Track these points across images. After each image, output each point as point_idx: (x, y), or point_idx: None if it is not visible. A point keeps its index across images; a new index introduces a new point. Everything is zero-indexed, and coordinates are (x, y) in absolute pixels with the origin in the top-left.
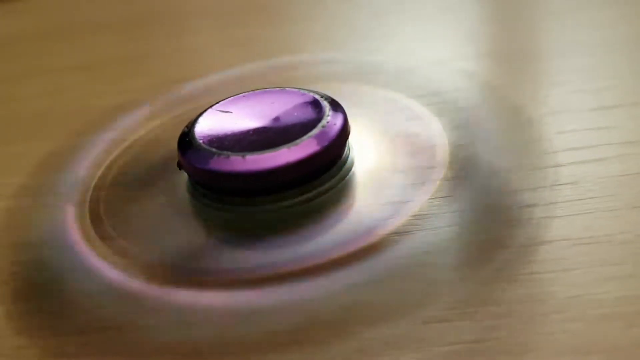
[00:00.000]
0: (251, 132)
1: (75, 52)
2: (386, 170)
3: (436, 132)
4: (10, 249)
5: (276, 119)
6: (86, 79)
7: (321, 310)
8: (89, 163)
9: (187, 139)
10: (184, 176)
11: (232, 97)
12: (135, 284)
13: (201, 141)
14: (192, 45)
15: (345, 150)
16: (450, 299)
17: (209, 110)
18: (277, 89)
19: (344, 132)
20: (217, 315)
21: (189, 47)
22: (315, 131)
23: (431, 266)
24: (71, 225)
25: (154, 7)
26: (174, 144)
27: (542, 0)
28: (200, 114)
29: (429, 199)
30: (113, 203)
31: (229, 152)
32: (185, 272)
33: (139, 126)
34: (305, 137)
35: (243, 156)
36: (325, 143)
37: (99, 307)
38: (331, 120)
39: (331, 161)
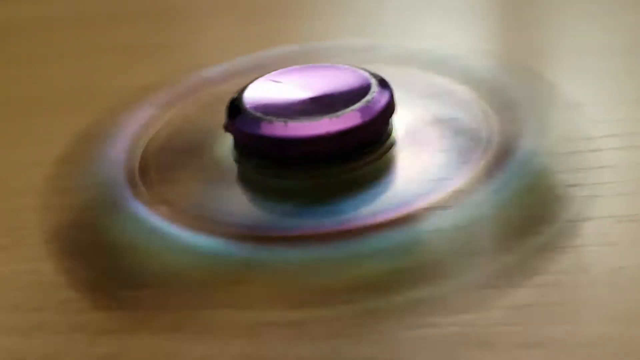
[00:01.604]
0: (297, 102)
1: (103, 37)
2: (429, 149)
3: (479, 115)
4: (56, 210)
5: (323, 91)
6: (115, 62)
7: (366, 271)
8: (131, 135)
9: (235, 103)
10: (229, 142)
11: (284, 69)
12: (181, 236)
13: (248, 106)
14: (217, 34)
15: (389, 127)
16: (497, 267)
17: (260, 79)
18: (328, 64)
19: (388, 109)
20: (268, 271)
21: (215, 35)
22: (359, 105)
23: (475, 238)
24: (120, 186)
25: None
26: (215, 118)
27: None
28: (251, 82)
29: (472, 177)
30: (160, 167)
31: (273, 118)
32: (231, 227)
33: (173, 104)
34: (348, 110)
35: (285, 122)
36: (368, 117)
37: (147, 261)
38: (377, 97)
39: (373, 137)
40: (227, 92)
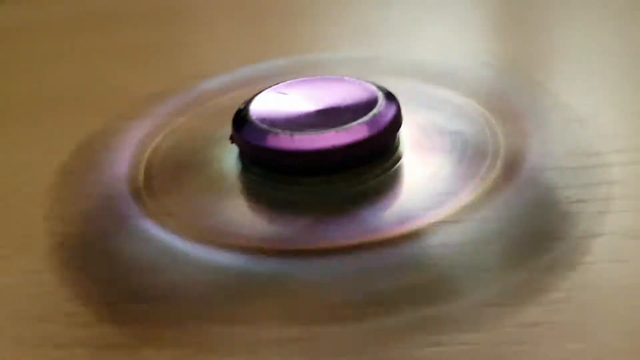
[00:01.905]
0: (304, 115)
1: (105, 39)
2: (436, 162)
3: (485, 128)
4: (60, 220)
5: (330, 104)
6: (118, 64)
7: (373, 287)
8: (136, 143)
9: (242, 114)
10: (234, 154)
11: (289, 81)
12: (188, 249)
13: (254, 118)
14: (220, 40)
15: (396, 141)
16: (506, 285)
17: (266, 90)
18: (335, 77)
19: (395, 122)
20: (274, 285)
21: (215, 40)
22: (365, 118)
23: (484, 254)
24: (123, 197)
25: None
26: (219, 129)
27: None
28: (257, 94)
29: (479, 191)
30: (165, 178)
31: (279, 130)
32: (236, 239)
33: (177, 114)
34: (354, 123)
35: (292, 135)
36: (375, 131)
37: (153, 274)
38: (384, 110)
39: (380, 150)
40: (231, 103)
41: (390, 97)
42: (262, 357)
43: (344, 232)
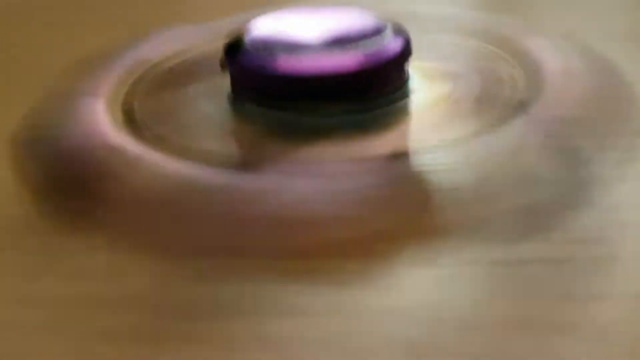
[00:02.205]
0: (305, 40)
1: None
2: (446, 105)
3: (506, 78)
4: (33, 145)
5: (333, 30)
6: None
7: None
8: (119, 69)
9: (235, 39)
10: (225, 83)
11: (291, 8)
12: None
13: (250, 41)
14: None
15: (404, 75)
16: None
17: (262, 17)
18: (342, 7)
19: (404, 52)
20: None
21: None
22: (372, 44)
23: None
24: (101, 118)
25: None
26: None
27: None
28: (252, 21)
29: (485, 136)
30: (145, 106)
31: (276, 53)
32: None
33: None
34: (359, 48)
35: (290, 56)
36: (377, 58)
37: (131, 200)
38: (391, 39)
39: (382, 81)
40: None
41: (399, 28)
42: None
43: (328, 156)
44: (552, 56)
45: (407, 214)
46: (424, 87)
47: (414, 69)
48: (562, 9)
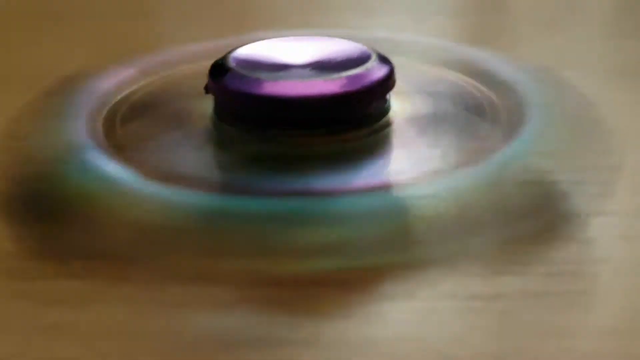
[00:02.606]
0: (290, 64)
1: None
2: (426, 135)
3: (487, 111)
4: (8, 166)
5: (319, 57)
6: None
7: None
8: (94, 98)
9: (221, 62)
10: (207, 106)
11: (277, 37)
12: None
13: (235, 65)
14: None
15: (386, 104)
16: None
17: (249, 44)
18: (327, 37)
19: (387, 81)
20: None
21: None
22: (356, 71)
23: (468, 220)
24: (81, 140)
25: None
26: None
27: None
28: (239, 46)
29: (467, 163)
30: (127, 129)
31: (262, 76)
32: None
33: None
34: (343, 74)
35: (274, 81)
36: (361, 85)
37: (108, 224)
38: (376, 66)
39: (365, 108)
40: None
41: (383, 58)
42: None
43: (309, 182)
44: (531, 89)
45: (387, 246)
46: (405, 117)
47: (397, 98)
48: (540, 41)
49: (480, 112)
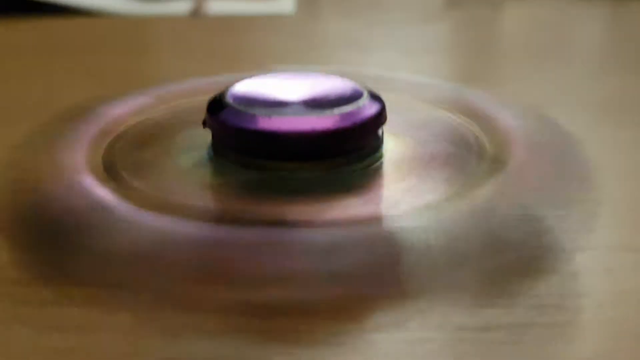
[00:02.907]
0: (284, 101)
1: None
2: (417, 170)
3: (475, 147)
4: (15, 195)
5: (313, 94)
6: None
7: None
8: (95, 131)
9: (218, 98)
10: (205, 138)
11: (271, 73)
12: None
13: (231, 100)
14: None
15: (378, 140)
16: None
17: (245, 80)
18: (321, 73)
19: (379, 117)
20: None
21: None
22: (349, 108)
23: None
24: (80, 171)
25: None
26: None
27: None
28: (235, 83)
29: (456, 198)
30: (126, 162)
31: (257, 112)
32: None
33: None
34: (337, 110)
35: (270, 117)
36: (357, 121)
37: (107, 253)
38: (368, 103)
39: (357, 143)
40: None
41: (374, 96)
42: (216, 341)
43: (302, 215)
44: (517, 127)
45: (377, 277)
46: (396, 152)
47: (388, 134)
48: (527, 80)
49: (468, 148)
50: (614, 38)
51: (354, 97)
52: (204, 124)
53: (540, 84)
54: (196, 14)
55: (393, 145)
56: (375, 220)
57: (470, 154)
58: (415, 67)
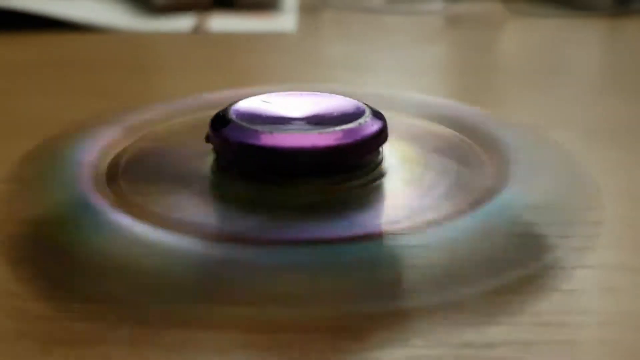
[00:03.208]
0: (286, 118)
1: (72, 80)
2: (417, 186)
3: (476, 165)
4: (17, 210)
5: (315, 112)
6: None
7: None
8: (97, 150)
9: (221, 114)
10: (208, 154)
11: (274, 92)
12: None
13: (235, 117)
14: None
15: (379, 157)
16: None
17: (249, 98)
18: (323, 92)
19: (380, 134)
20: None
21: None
22: (351, 125)
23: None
24: (84, 194)
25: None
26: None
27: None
28: (239, 100)
29: (456, 215)
30: (129, 179)
31: (260, 128)
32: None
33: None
34: (338, 128)
35: (272, 133)
36: (358, 138)
37: (110, 268)
38: (369, 122)
39: (360, 160)
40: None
41: (377, 113)
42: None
43: (305, 232)
44: (518, 146)
45: (380, 294)
46: (397, 170)
47: (389, 152)
48: (526, 101)
49: (469, 165)
50: (612, 58)
51: (356, 114)
52: (207, 139)
53: (539, 105)
54: (198, 30)
55: (394, 162)
56: (377, 237)
57: (472, 171)
58: (415, 86)
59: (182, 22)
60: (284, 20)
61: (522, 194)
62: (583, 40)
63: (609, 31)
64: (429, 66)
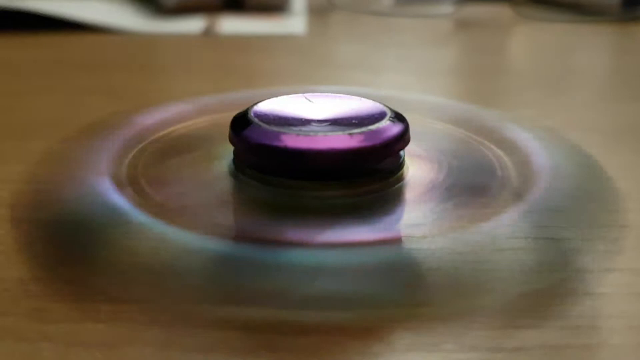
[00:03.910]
0: (308, 120)
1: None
2: (439, 192)
3: (497, 169)
4: (33, 209)
5: (337, 114)
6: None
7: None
8: (116, 148)
9: (242, 115)
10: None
11: (295, 94)
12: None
13: (257, 118)
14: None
15: (400, 161)
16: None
17: (269, 99)
18: (347, 95)
19: (402, 137)
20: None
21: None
22: (371, 128)
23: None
24: (103, 186)
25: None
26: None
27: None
28: (259, 101)
29: (480, 224)
30: (150, 177)
31: (281, 129)
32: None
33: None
34: (358, 130)
35: (297, 134)
36: (377, 140)
37: (130, 268)
38: (390, 125)
39: (380, 163)
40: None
41: (399, 117)
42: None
43: (325, 235)
44: (539, 149)
45: (409, 299)
46: (418, 174)
47: (410, 154)
48: (541, 104)
49: (491, 169)
50: (622, 62)
51: (377, 116)
52: (230, 140)
53: (552, 107)
54: (208, 32)
55: (415, 165)
56: (401, 240)
57: (494, 175)
58: (426, 88)
59: (192, 24)
60: (294, 23)
61: (545, 197)
62: (592, 44)
63: (617, 36)
64: (439, 69)
